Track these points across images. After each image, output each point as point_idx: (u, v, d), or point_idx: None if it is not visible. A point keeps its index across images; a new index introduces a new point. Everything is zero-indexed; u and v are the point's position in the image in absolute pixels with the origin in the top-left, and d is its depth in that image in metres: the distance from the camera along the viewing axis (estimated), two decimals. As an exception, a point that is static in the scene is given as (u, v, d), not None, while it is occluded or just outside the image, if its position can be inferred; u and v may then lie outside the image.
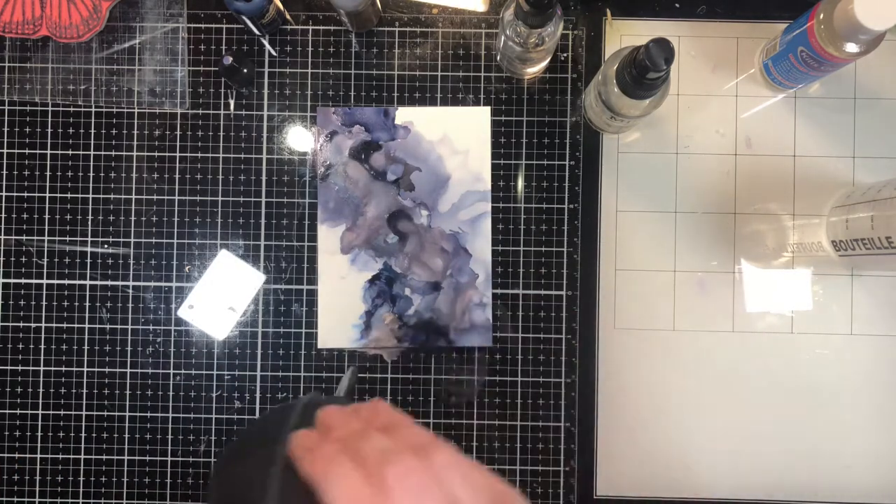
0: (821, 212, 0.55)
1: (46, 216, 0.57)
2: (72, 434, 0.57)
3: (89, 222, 0.57)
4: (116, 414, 0.57)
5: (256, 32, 0.56)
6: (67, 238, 0.57)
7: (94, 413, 0.57)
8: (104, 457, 0.56)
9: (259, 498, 0.29)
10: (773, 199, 0.56)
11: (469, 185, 0.56)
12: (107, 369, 0.57)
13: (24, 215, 0.57)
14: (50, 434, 0.57)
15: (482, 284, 0.56)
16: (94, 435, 0.57)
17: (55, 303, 0.57)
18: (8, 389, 0.57)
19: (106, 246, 0.57)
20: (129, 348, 0.57)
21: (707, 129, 0.56)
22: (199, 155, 0.57)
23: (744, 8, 0.56)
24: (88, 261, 0.57)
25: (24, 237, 0.57)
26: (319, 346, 0.56)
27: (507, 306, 0.56)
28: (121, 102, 0.57)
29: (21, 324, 0.57)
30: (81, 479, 0.56)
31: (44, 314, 0.57)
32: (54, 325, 0.57)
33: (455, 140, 0.56)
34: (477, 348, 0.56)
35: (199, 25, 0.57)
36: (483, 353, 0.56)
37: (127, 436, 0.57)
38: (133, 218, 0.57)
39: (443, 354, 0.56)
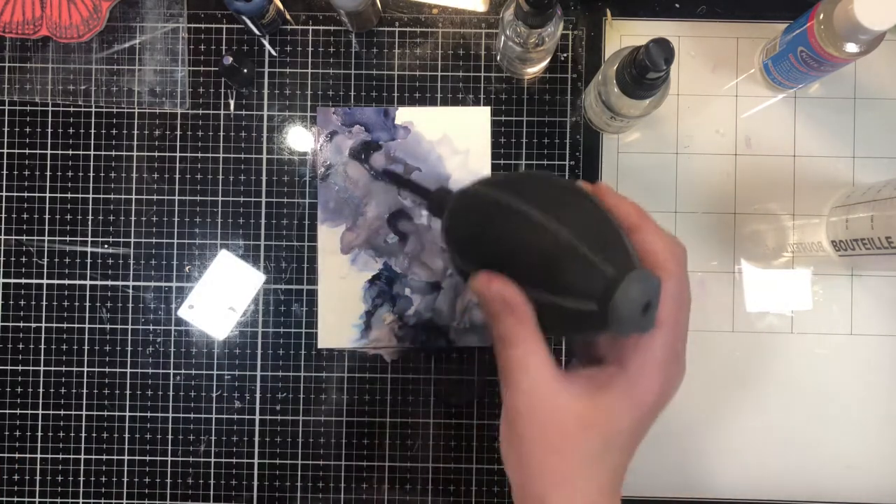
0: (821, 212, 0.55)
1: (46, 216, 0.57)
2: (72, 434, 0.57)
3: (89, 222, 0.57)
4: (116, 414, 0.57)
5: (256, 32, 0.56)
6: (67, 238, 0.57)
7: (94, 413, 0.57)
8: (104, 457, 0.56)
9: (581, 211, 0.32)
10: (773, 199, 0.56)
11: (469, 185, 0.56)
12: (107, 369, 0.57)
13: (24, 215, 0.57)
14: (50, 434, 0.57)
15: (482, 284, 0.56)
16: (94, 435, 0.57)
17: (55, 303, 0.57)
18: (8, 389, 0.57)
19: (106, 246, 0.57)
20: (129, 348, 0.57)
21: (707, 129, 0.56)
22: (199, 155, 0.57)
23: (744, 8, 0.56)
24: (88, 261, 0.57)
25: (24, 237, 0.57)
26: (319, 346, 0.56)
27: (507, 306, 0.56)
28: (121, 102, 0.57)
29: (21, 324, 0.57)
30: (81, 479, 0.56)
31: (44, 314, 0.57)
32: (54, 325, 0.57)
33: (455, 140, 0.56)
34: (477, 348, 0.56)
35: (199, 25, 0.57)
36: (483, 353, 0.56)
37: (127, 436, 0.57)
38: (133, 218, 0.57)
39: (443, 354, 0.56)
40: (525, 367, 0.34)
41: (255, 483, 0.56)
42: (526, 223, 0.32)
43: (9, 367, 0.57)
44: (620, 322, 0.30)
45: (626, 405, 0.33)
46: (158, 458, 0.56)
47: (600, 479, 0.34)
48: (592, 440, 0.33)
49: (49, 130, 0.57)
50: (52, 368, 0.57)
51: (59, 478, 0.56)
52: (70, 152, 0.57)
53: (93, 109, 0.57)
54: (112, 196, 0.57)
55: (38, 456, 0.57)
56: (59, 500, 0.56)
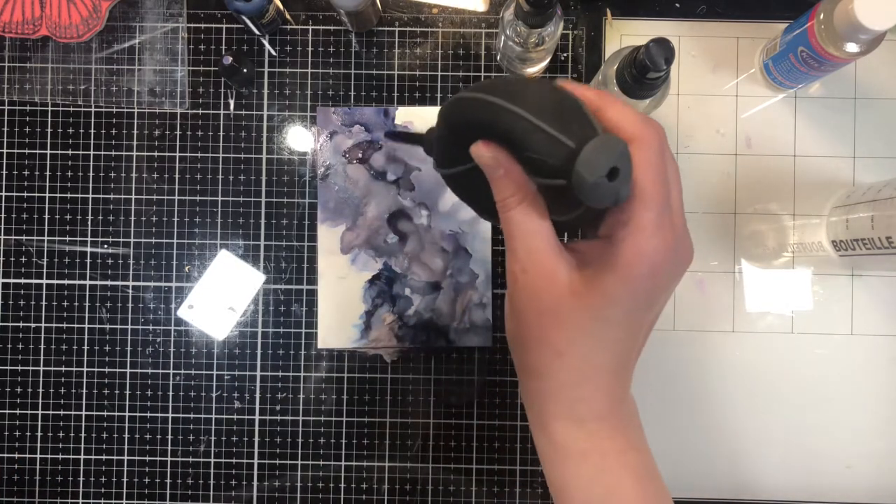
0: (821, 212, 0.55)
1: (46, 216, 0.57)
2: (72, 434, 0.57)
3: (89, 222, 0.57)
4: (116, 414, 0.57)
5: (256, 32, 0.56)
6: (67, 238, 0.57)
7: (94, 413, 0.57)
8: (104, 457, 0.56)
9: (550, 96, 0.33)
10: (773, 199, 0.56)
11: (469, 185, 0.56)
12: (107, 369, 0.57)
13: (24, 215, 0.57)
14: (50, 434, 0.57)
15: (482, 284, 0.56)
16: (94, 435, 0.57)
17: (55, 303, 0.57)
18: (8, 389, 0.57)
19: (106, 246, 0.57)
20: (129, 348, 0.57)
21: (707, 129, 0.56)
22: (199, 155, 0.57)
23: (744, 8, 0.56)
24: (88, 261, 0.57)
25: (24, 237, 0.57)
26: (319, 346, 0.56)
27: (507, 306, 0.56)
28: (121, 102, 0.57)
29: (21, 324, 0.57)
30: (81, 479, 0.56)
31: (44, 314, 0.57)
32: (54, 325, 0.57)
33: (455, 140, 0.56)
34: (477, 348, 0.56)
35: (199, 25, 0.57)
36: (483, 353, 0.56)
37: (127, 436, 0.57)
38: (133, 218, 0.57)
39: (443, 354, 0.56)
40: (523, 229, 0.34)
41: (255, 483, 0.56)
42: (493, 109, 0.33)
43: (9, 367, 0.57)
44: (585, 189, 0.30)
45: (614, 277, 0.32)
46: (158, 458, 0.56)
47: (599, 357, 0.34)
48: (583, 310, 0.33)
49: (49, 130, 0.57)
50: (52, 368, 0.57)
51: (59, 478, 0.56)
52: (70, 152, 0.57)
53: (92, 109, 0.57)
54: (112, 196, 0.57)
55: (38, 456, 0.57)
56: (59, 500, 0.56)
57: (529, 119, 0.32)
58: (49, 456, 0.57)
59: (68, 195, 0.57)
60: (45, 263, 0.57)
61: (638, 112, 0.34)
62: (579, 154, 0.30)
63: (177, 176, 0.57)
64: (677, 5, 0.57)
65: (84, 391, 0.57)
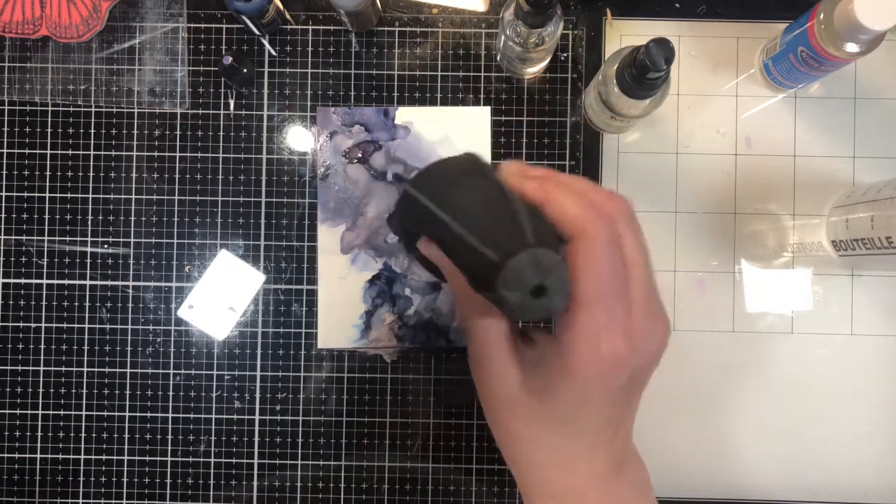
0: (821, 212, 0.55)
1: (46, 216, 0.57)
2: (72, 434, 0.57)
3: (89, 222, 0.57)
4: (116, 414, 0.57)
5: (256, 32, 0.56)
6: (67, 238, 0.57)
7: (94, 413, 0.57)
8: (104, 457, 0.56)
9: (503, 211, 0.30)
10: (773, 199, 0.56)
11: (469, 185, 0.56)
12: (107, 369, 0.57)
13: (24, 215, 0.57)
14: (50, 434, 0.57)
15: (482, 284, 0.56)
16: (94, 435, 0.57)
17: (55, 303, 0.57)
18: (8, 389, 0.57)
19: (106, 246, 0.57)
20: (129, 348, 0.57)
21: (707, 129, 0.56)
22: (199, 155, 0.57)
23: (744, 8, 0.56)
24: (88, 261, 0.57)
25: (24, 237, 0.57)
26: (319, 346, 0.56)
27: (507, 306, 0.56)
28: (121, 102, 0.57)
29: (21, 324, 0.57)
30: (81, 479, 0.56)
31: (44, 314, 0.57)
32: (54, 325, 0.57)
33: (455, 140, 0.56)
34: (477, 348, 0.56)
35: (199, 25, 0.57)
36: (483, 353, 0.56)
37: (127, 436, 0.57)
38: (133, 218, 0.57)
39: (443, 354, 0.56)
40: (475, 324, 0.33)
41: (255, 483, 0.56)
42: (425, 213, 0.31)
43: (9, 367, 0.57)
44: (508, 307, 0.28)
45: (564, 383, 0.31)
46: (158, 458, 0.56)
47: (565, 447, 0.32)
48: (538, 406, 0.32)
49: (49, 130, 0.57)
50: (52, 368, 0.57)
51: (59, 478, 0.56)
52: (70, 152, 0.57)
53: (92, 109, 0.57)
54: (112, 196, 0.57)
55: (38, 456, 0.57)
56: (59, 500, 0.56)
57: (454, 228, 0.30)
58: (49, 456, 0.57)
59: (68, 195, 0.57)
60: (45, 263, 0.57)
61: (591, 195, 0.31)
62: (502, 270, 0.28)
63: (177, 176, 0.57)
64: (677, 5, 0.57)
65: (84, 391, 0.57)
